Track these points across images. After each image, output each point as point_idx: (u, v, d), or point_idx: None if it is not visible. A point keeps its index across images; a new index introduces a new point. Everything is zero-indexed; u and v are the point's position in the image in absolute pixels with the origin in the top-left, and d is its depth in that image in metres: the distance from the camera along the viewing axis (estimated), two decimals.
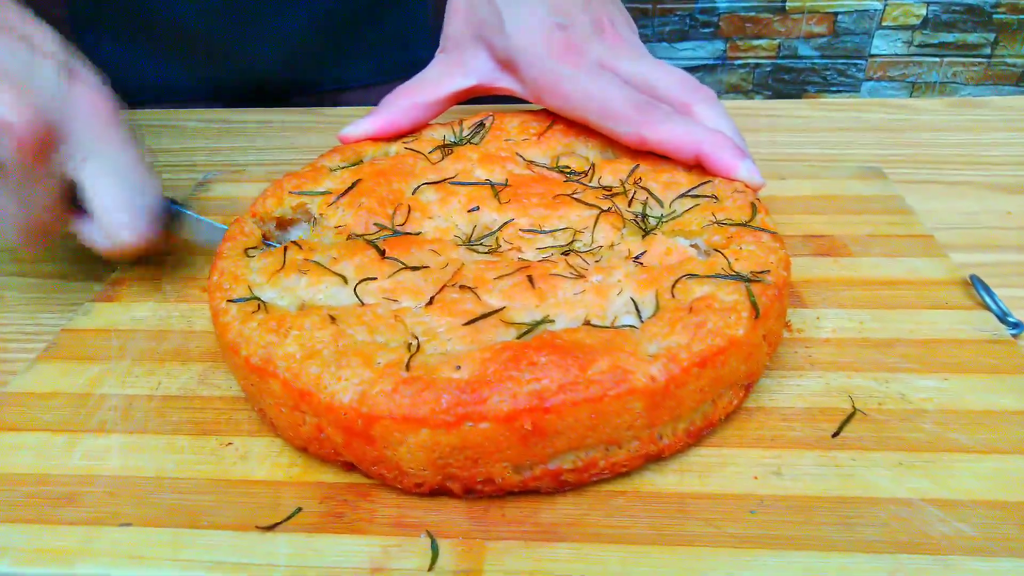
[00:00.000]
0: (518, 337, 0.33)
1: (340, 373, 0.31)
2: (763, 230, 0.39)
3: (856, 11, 2.10)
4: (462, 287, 0.36)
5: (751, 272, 0.35)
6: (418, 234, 0.41)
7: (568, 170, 0.46)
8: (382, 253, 0.38)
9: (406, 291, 0.36)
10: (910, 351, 0.39)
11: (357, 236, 0.41)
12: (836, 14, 2.11)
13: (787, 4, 2.10)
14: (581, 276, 0.36)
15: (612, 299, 0.35)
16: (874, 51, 2.16)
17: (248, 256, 0.40)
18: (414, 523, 0.32)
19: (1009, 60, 2.13)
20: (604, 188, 0.44)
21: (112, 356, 0.41)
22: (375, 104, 0.52)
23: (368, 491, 0.33)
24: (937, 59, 2.15)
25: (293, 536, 0.31)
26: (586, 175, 0.45)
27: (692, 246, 0.39)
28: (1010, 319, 0.41)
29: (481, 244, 0.40)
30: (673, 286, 0.35)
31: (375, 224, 0.41)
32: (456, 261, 0.38)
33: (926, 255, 0.46)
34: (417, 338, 0.33)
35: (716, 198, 0.41)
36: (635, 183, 0.44)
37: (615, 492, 0.33)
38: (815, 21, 2.13)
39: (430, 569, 0.30)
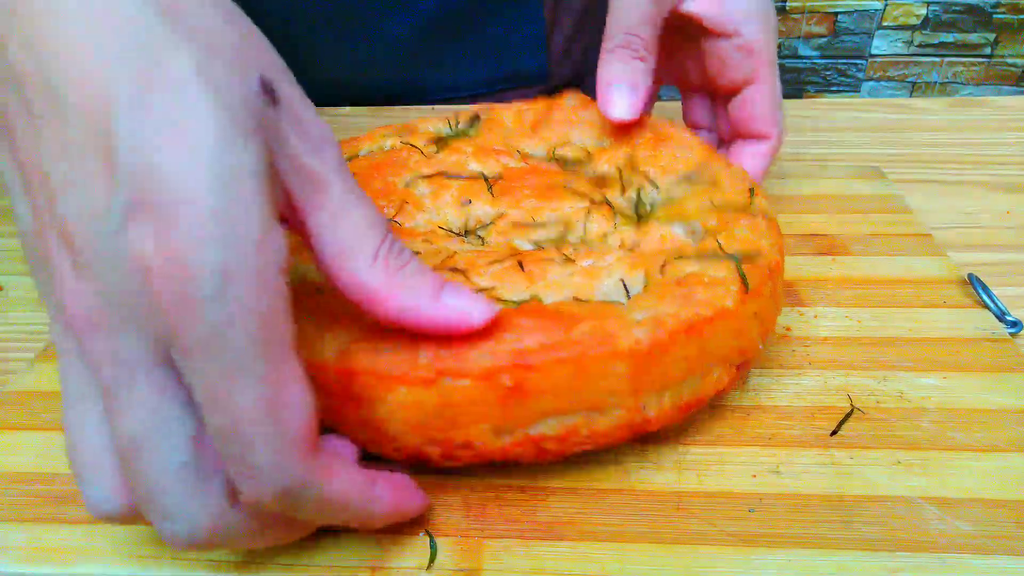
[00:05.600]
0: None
1: (324, 333, 0.31)
2: (758, 215, 0.38)
3: (856, 11, 2.10)
4: (453, 269, 0.35)
5: (742, 252, 0.35)
6: (410, 227, 0.40)
7: (564, 160, 0.45)
8: None
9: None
10: (908, 350, 0.39)
11: None
12: (836, 14, 2.11)
13: (787, 4, 2.10)
14: (571, 261, 0.35)
15: (602, 279, 0.34)
16: (874, 51, 2.16)
17: None
18: (412, 522, 0.32)
19: (1009, 60, 2.13)
20: (599, 177, 0.43)
21: None
22: None
23: None
24: (937, 59, 2.15)
25: None
26: (581, 164, 0.45)
27: (688, 232, 0.38)
28: (1008, 318, 0.41)
29: (473, 236, 0.40)
30: (663, 266, 0.34)
31: None
32: (448, 250, 0.37)
33: (924, 254, 0.47)
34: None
35: (714, 182, 0.40)
36: (632, 169, 0.43)
37: (613, 490, 0.33)
38: (815, 21, 2.14)
39: (428, 567, 0.30)
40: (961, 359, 0.39)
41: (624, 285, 0.34)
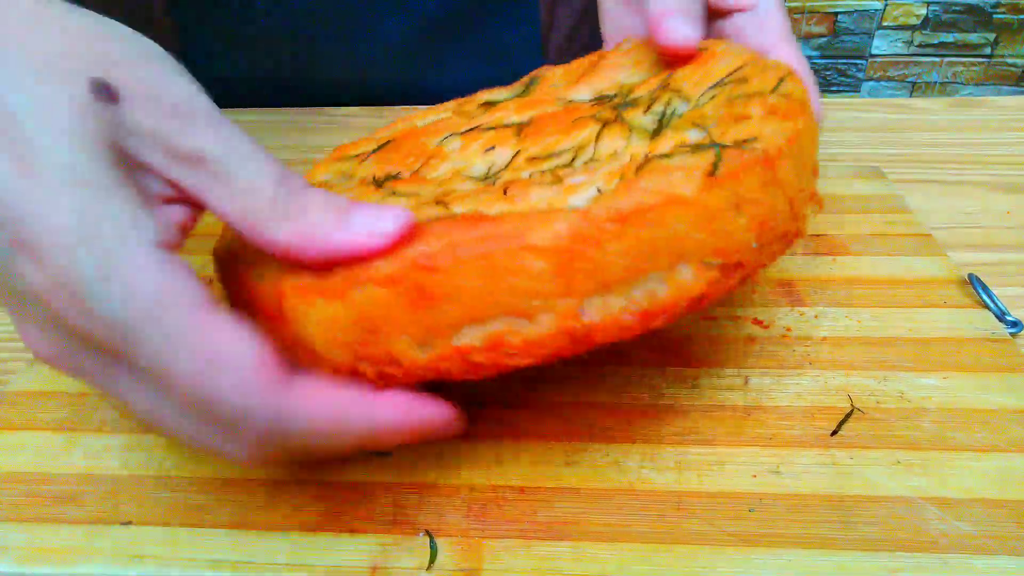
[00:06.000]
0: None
1: (265, 263, 0.30)
2: (778, 98, 0.33)
3: (856, 11, 2.10)
4: (437, 202, 0.33)
5: (735, 140, 0.30)
6: (432, 177, 0.38)
7: (605, 97, 0.41)
8: (379, 185, 0.36)
9: (422, 184, 0.35)
10: (908, 350, 0.39)
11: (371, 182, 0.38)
12: (836, 14, 2.11)
13: (787, 4, 2.10)
14: (559, 180, 0.32)
15: (579, 193, 0.31)
16: (874, 51, 2.16)
17: None
18: (412, 521, 0.32)
19: (1009, 60, 2.13)
20: (632, 100, 0.39)
21: None
22: None
23: (367, 490, 0.33)
24: (937, 59, 2.15)
25: (292, 535, 0.31)
26: (616, 97, 0.41)
27: (701, 132, 0.34)
28: (1008, 318, 0.41)
29: (491, 178, 0.37)
30: (639, 167, 0.30)
31: (390, 171, 0.39)
32: (448, 189, 0.35)
33: (924, 254, 0.47)
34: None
35: (744, 80, 0.36)
36: (664, 88, 0.39)
37: (613, 490, 0.33)
38: (815, 21, 2.14)
39: (429, 567, 0.30)
40: (961, 359, 0.39)
41: (599, 192, 0.30)
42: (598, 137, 0.36)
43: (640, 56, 0.44)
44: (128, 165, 0.25)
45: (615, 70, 0.44)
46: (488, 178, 0.36)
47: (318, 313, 0.28)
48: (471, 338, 0.28)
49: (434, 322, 0.28)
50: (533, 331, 0.28)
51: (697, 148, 0.30)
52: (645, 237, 0.27)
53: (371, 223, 0.27)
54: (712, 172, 0.28)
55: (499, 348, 0.28)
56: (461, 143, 0.40)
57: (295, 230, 0.27)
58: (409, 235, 0.28)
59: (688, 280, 0.29)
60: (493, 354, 0.28)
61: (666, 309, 0.29)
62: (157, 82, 0.26)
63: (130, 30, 0.28)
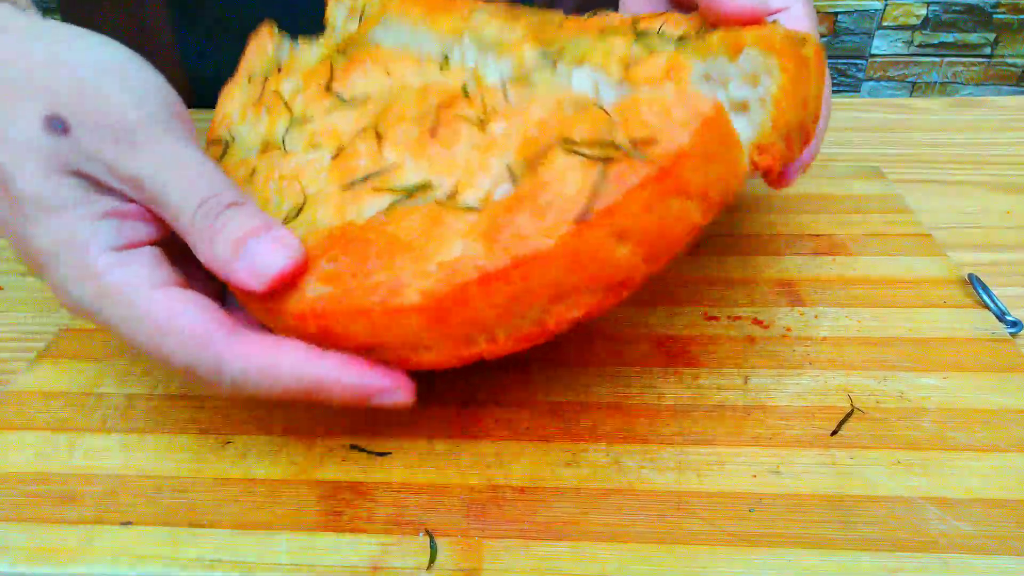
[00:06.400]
0: (392, 203, 0.31)
1: None
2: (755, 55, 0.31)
3: (856, 11, 2.10)
4: (378, 133, 0.33)
5: (632, 140, 0.28)
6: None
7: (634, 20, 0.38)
8: (330, 80, 0.36)
9: (327, 136, 0.34)
10: (908, 349, 0.39)
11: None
12: (836, 14, 2.11)
13: None
14: (482, 123, 0.31)
15: (491, 166, 0.30)
16: (874, 51, 2.16)
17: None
18: (412, 521, 0.32)
19: (1009, 60, 2.13)
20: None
21: (111, 355, 0.41)
22: None
23: (367, 490, 0.33)
24: (937, 59, 2.15)
25: (292, 535, 0.31)
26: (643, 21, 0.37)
27: (704, 75, 0.32)
28: (1008, 318, 0.41)
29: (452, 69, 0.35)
30: (537, 156, 0.29)
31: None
32: (398, 92, 0.34)
33: (924, 254, 0.47)
34: (301, 205, 0.32)
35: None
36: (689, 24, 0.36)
37: (613, 490, 0.33)
38: None
39: (428, 567, 0.30)
40: (961, 359, 0.39)
41: (511, 173, 0.29)
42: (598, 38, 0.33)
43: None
44: (89, 183, 0.30)
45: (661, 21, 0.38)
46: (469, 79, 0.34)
47: (278, 324, 0.31)
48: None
49: (342, 349, 0.30)
50: (426, 357, 0.30)
51: (588, 160, 0.28)
52: (513, 291, 0.28)
53: (257, 263, 0.29)
54: (584, 214, 0.27)
55: (403, 366, 0.30)
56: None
57: (206, 257, 0.30)
58: (320, 250, 0.30)
59: (568, 309, 0.29)
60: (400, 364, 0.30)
61: (552, 332, 0.29)
62: (103, 107, 0.30)
63: (92, 43, 0.32)
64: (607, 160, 0.27)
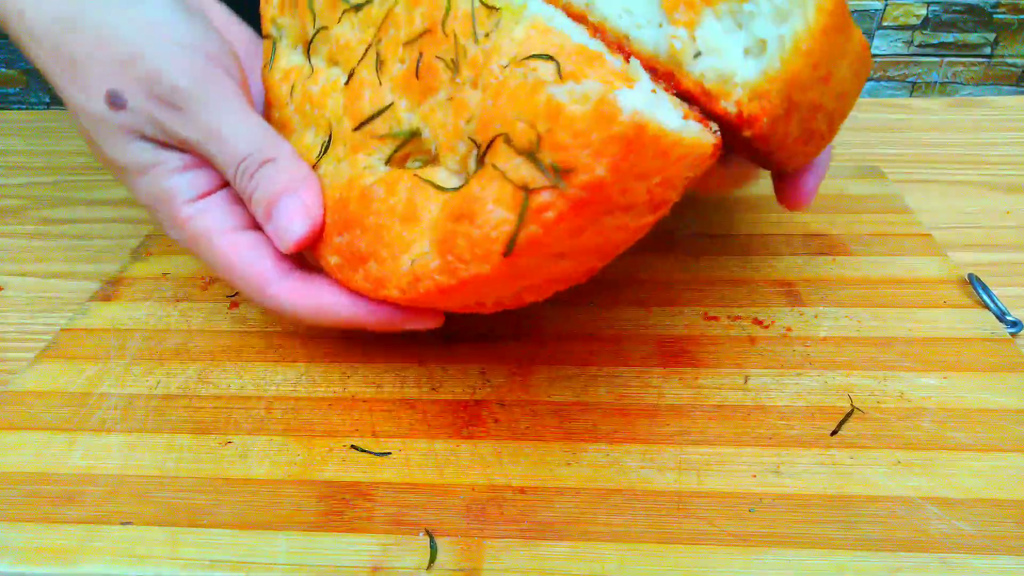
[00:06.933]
0: (390, 155, 0.34)
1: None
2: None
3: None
4: (379, 57, 0.34)
5: (554, 164, 0.26)
6: None
7: None
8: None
9: (343, 51, 0.36)
10: (908, 349, 0.39)
11: None
12: None
13: None
14: (455, 65, 0.31)
15: (461, 130, 0.30)
16: (874, 51, 2.16)
17: None
18: (412, 521, 0.32)
19: (1009, 60, 2.13)
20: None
21: (111, 355, 0.41)
22: None
23: (367, 490, 0.33)
24: (937, 59, 2.15)
25: (292, 535, 0.31)
26: None
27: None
28: (1008, 318, 0.41)
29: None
30: (487, 142, 0.28)
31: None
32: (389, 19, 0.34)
33: (924, 254, 0.47)
34: (329, 135, 0.36)
35: None
36: None
37: (614, 490, 0.33)
38: None
39: (428, 567, 0.30)
40: (961, 359, 0.39)
41: (476, 148, 0.29)
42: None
43: None
44: (157, 144, 0.35)
45: None
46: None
47: (321, 266, 0.36)
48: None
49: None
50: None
51: (516, 187, 0.27)
52: (465, 297, 0.32)
53: (282, 228, 0.34)
54: (508, 250, 0.27)
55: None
56: None
57: (251, 211, 0.35)
58: (319, 232, 0.35)
59: (524, 297, 0.33)
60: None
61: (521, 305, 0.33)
62: (154, 76, 0.33)
63: (157, 19, 0.35)
64: (530, 191, 0.27)
